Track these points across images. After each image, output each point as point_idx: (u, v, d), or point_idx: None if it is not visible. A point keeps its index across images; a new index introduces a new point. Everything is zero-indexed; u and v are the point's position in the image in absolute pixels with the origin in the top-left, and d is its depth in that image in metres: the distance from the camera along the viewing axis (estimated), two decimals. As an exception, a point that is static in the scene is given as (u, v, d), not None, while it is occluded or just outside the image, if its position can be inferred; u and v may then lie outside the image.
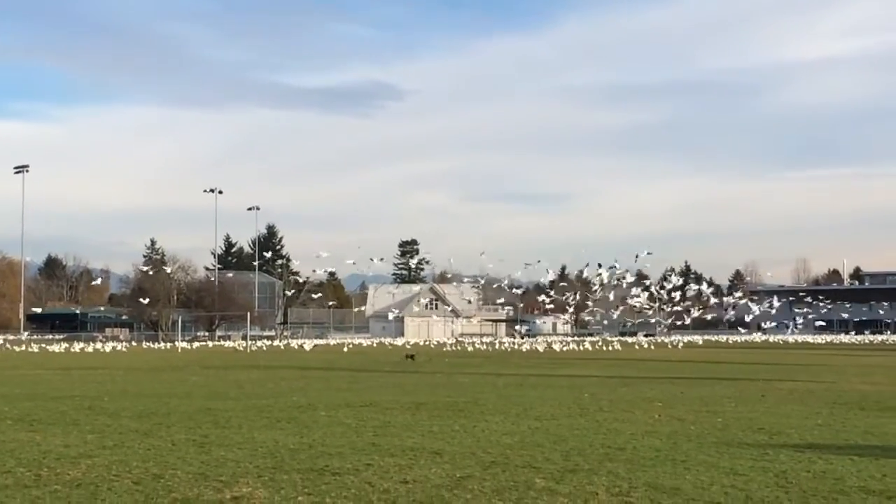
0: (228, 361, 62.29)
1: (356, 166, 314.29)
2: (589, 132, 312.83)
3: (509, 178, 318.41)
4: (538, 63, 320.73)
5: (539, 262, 37.39)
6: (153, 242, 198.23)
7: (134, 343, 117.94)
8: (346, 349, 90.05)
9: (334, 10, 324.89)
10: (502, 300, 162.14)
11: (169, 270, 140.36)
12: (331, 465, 14.90)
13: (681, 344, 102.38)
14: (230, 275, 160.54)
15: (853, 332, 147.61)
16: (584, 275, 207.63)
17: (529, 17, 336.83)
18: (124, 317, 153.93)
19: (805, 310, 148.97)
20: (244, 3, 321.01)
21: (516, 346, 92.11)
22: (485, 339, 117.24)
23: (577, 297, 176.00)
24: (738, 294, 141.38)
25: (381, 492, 12.71)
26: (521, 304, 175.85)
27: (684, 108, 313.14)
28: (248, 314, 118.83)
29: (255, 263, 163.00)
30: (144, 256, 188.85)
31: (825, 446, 17.12)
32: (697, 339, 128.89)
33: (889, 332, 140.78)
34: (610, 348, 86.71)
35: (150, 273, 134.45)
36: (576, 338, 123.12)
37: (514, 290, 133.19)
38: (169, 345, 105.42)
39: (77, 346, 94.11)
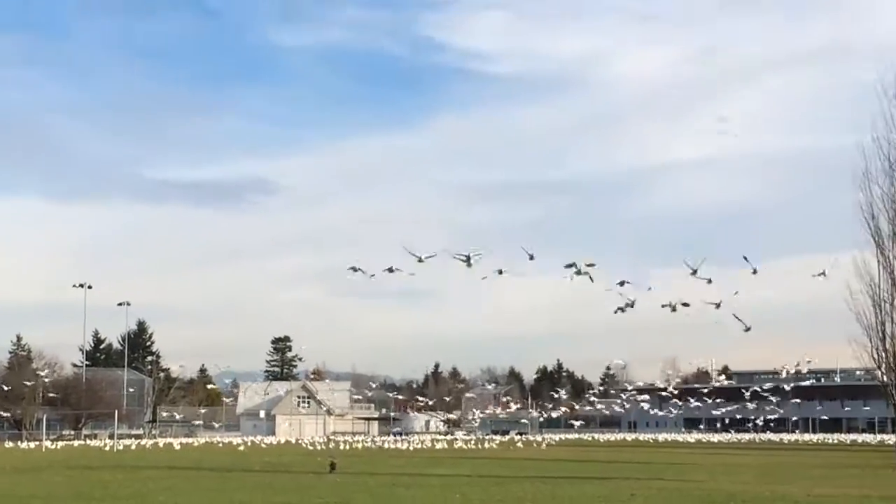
0: (94, 461, 60.94)
1: (230, 261, 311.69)
2: (463, 229, 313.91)
3: (383, 274, 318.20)
4: (415, 160, 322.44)
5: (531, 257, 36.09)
6: (19, 339, 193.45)
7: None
8: (241, 448, 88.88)
9: (210, 104, 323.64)
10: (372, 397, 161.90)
11: (35, 367, 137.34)
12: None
13: (552, 442, 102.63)
14: (98, 372, 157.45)
15: (722, 431, 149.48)
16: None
17: (408, 114, 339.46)
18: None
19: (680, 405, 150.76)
20: (119, 97, 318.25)
21: (390, 445, 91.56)
22: (358, 438, 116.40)
23: (451, 394, 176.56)
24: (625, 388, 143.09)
25: None
26: (395, 402, 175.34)
27: (557, 207, 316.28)
28: (116, 412, 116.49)
29: (125, 360, 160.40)
30: (10, 353, 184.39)
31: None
32: (569, 437, 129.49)
33: (756, 431, 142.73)
34: (482, 446, 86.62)
35: (15, 370, 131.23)
36: (449, 436, 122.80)
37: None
38: (34, 444, 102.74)
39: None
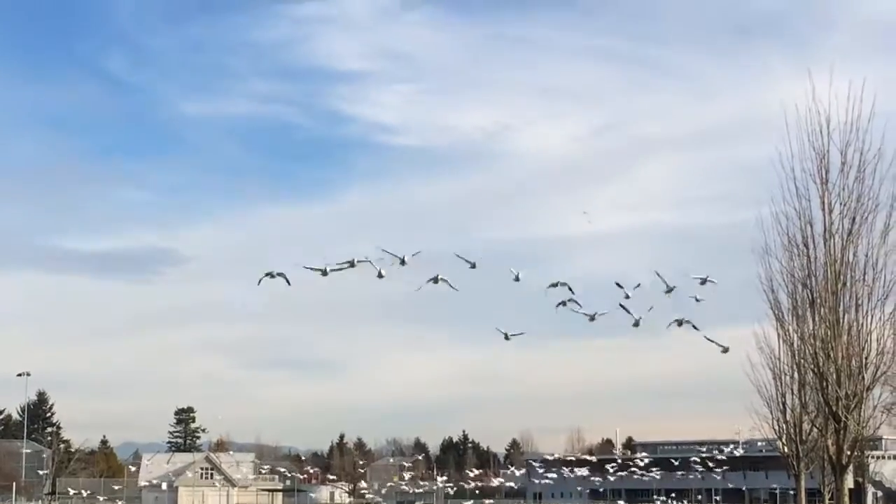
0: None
1: (133, 332, 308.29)
2: (368, 301, 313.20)
3: (288, 345, 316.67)
4: (318, 232, 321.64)
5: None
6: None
7: None
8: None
9: (114, 175, 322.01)
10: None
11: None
12: None
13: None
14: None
15: (626, 502, 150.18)
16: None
17: (314, 186, 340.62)
18: None
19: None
20: (24, 166, 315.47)
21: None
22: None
23: (356, 466, 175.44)
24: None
25: None
26: (304, 476, 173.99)
27: (462, 277, 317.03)
28: (14, 484, 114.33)
29: (24, 431, 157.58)
30: None
31: None
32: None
33: (660, 502, 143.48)
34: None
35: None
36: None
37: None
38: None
39: None
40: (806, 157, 39.50)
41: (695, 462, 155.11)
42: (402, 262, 34.32)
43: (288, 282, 31.08)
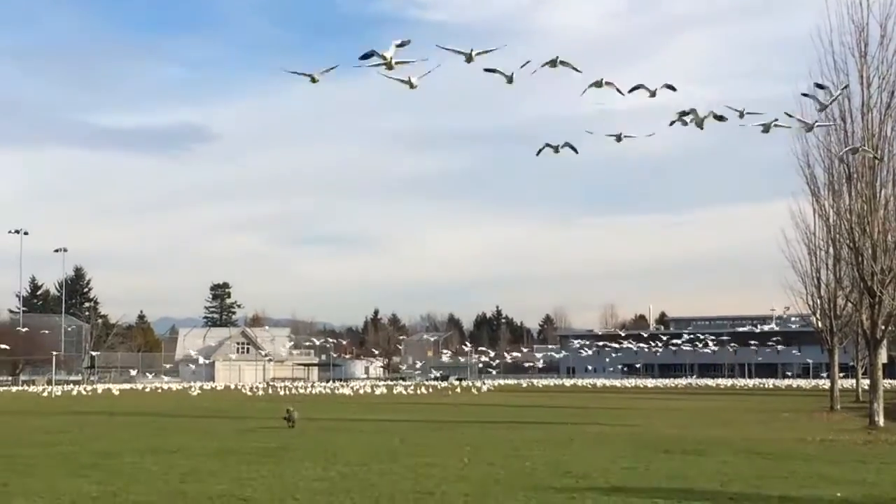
0: (32, 406, 60.55)
1: (167, 208, 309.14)
2: (401, 177, 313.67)
3: (321, 221, 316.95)
4: (351, 107, 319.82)
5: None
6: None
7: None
8: (194, 392, 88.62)
9: (145, 50, 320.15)
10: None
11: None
12: (135, 513, 14.54)
13: (491, 388, 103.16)
14: (35, 318, 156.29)
15: (659, 376, 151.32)
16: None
17: (345, 61, 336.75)
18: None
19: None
20: (56, 42, 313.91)
21: (329, 390, 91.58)
22: (297, 384, 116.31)
23: (390, 341, 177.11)
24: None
25: (186, 540, 12.47)
26: (346, 355, 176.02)
27: (495, 155, 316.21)
28: (54, 358, 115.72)
29: (62, 306, 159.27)
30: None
31: (630, 489, 17.40)
32: (508, 382, 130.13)
33: (692, 377, 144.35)
34: (421, 392, 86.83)
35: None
36: (388, 381, 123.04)
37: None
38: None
39: None
40: (845, 31, 38.80)
41: (728, 337, 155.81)
42: (470, 55, 32.22)
43: (314, 79, 30.05)
